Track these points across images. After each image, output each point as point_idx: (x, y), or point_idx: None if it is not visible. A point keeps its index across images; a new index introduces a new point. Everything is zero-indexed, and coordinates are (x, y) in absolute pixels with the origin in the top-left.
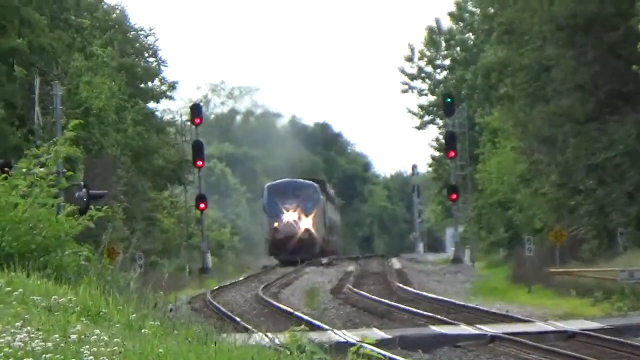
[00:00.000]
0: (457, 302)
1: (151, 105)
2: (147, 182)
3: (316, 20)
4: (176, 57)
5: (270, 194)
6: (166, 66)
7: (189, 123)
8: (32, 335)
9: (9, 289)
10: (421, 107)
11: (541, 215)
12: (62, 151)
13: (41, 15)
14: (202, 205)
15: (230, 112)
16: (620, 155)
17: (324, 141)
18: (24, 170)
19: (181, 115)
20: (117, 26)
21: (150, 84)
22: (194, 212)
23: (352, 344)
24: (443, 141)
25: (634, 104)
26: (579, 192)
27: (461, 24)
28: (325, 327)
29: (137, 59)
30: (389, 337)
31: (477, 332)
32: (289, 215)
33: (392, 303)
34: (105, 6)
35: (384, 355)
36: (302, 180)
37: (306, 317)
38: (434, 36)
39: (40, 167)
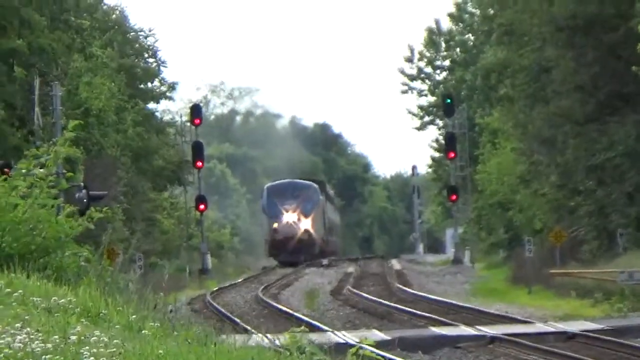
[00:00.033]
0: (457, 303)
1: (151, 106)
2: (147, 183)
3: (316, 21)
4: (176, 58)
5: (270, 194)
6: (166, 67)
7: (188, 124)
8: (32, 337)
9: (8, 290)
10: (421, 107)
11: (541, 216)
12: (62, 152)
13: (41, 16)
14: (202, 206)
15: (230, 112)
16: (620, 156)
17: (324, 142)
18: (23, 171)
19: (181, 116)
20: (116, 27)
21: (150, 84)
22: (194, 213)
23: (352, 345)
24: (443, 142)
25: (633, 105)
26: (579, 193)
27: (461, 24)
28: (325, 328)
29: (136, 60)
30: (389, 338)
31: (476, 333)
32: (289, 216)
33: (392, 304)
34: (104, 7)
35: (383, 357)
36: (301, 181)
37: (306, 319)
38: (433, 37)
39: (40, 168)
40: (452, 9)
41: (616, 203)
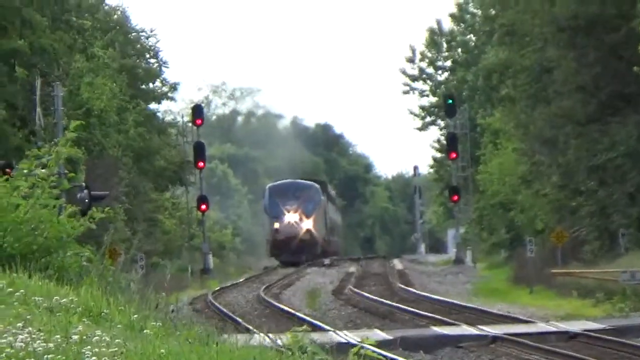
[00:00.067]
0: (459, 302)
1: (152, 106)
2: (148, 183)
3: (318, 22)
4: (177, 58)
5: (272, 194)
6: (167, 67)
7: (190, 124)
8: (33, 336)
9: (10, 289)
10: (422, 108)
11: (542, 217)
12: (64, 152)
13: (42, 17)
14: (203, 207)
15: (232, 113)
16: (621, 157)
17: (326, 142)
18: (25, 171)
19: (182, 117)
20: (118, 27)
21: (151, 85)
22: (196, 213)
23: (354, 345)
24: (444, 142)
25: (635, 105)
26: (581, 193)
27: (462, 25)
28: (327, 327)
29: (138, 60)
30: (391, 337)
31: (478, 332)
32: (290, 216)
33: (394, 304)
34: (106, 7)
35: (385, 356)
36: (303, 181)
37: (308, 318)
38: (435, 37)
39: (42, 168)
40: (454, 10)
41: (618, 203)
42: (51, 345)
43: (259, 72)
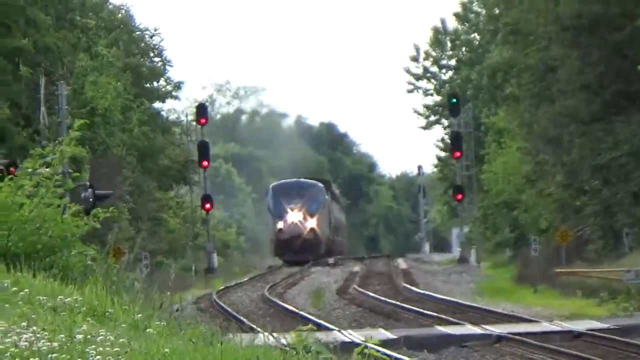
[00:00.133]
0: (463, 302)
1: (157, 105)
2: (152, 182)
3: (322, 21)
4: (181, 57)
5: (275, 194)
6: (171, 66)
7: (194, 123)
8: (38, 335)
9: (15, 289)
10: (427, 107)
11: (547, 216)
12: (68, 151)
13: (46, 15)
14: (207, 206)
15: (236, 112)
16: (625, 156)
17: (330, 141)
18: (29, 170)
19: (187, 115)
20: (122, 26)
21: (155, 84)
22: (200, 212)
23: (358, 344)
24: (449, 141)
25: (639, 104)
26: (585, 192)
27: (466, 24)
28: (331, 327)
29: (142, 59)
30: (395, 337)
31: (483, 332)
32: (294, 215)
33: (398, 303)
34: (110, 6)
35: (389, 356)
36: (307, 180)
37: (312, 317)
38: (439, 36)
39: (46, 167)
40: (458, 9)
41: (622, 202)
42: (55, 344)
43: (263, 71)
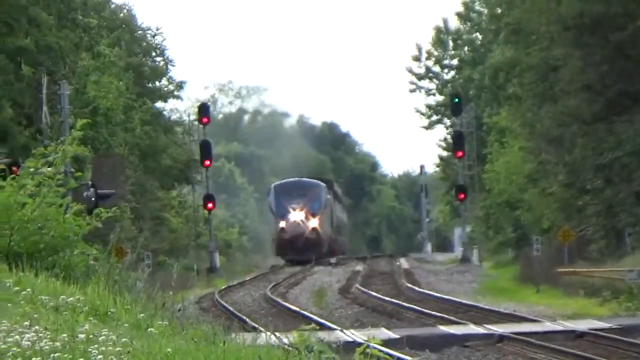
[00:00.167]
0: (465, 301)
1: (159, 104)
2: (155, 182)
3: (324, 20)
4: (184, 57)
5: (277, 193)
6: (174, 66)
7: (196, 123)
8: (40, 335)
9: (17, 288)
10: (429, 106)
11: (549, 215)
12: (70, 151)
13: (49, 15)
14: (210, 205)
15: (238, 111)
16: (627, 155)
17: (332, 141)
18: (31, 169)
19: (189, 115)
20: (124, 26)
21: (157, 83)
22: (202, 212)
23: (360, 344)
24: (451, 141)
25: None
26: (587, 192)
27: (469, 23)
28: (333, 326)
29: (144, 59)
30: (397, 336)
31: (485, 331)
32: (296, 215)
33: (400, 303)
34: (112, 6)
35: (391, 355)
36: (309, 179)
37: (314, 317)
38: (441, 36)
39: (48, 167)
40: (460, 8)
41: (624, 202)
42: (58, 344)
43: (266, 70)
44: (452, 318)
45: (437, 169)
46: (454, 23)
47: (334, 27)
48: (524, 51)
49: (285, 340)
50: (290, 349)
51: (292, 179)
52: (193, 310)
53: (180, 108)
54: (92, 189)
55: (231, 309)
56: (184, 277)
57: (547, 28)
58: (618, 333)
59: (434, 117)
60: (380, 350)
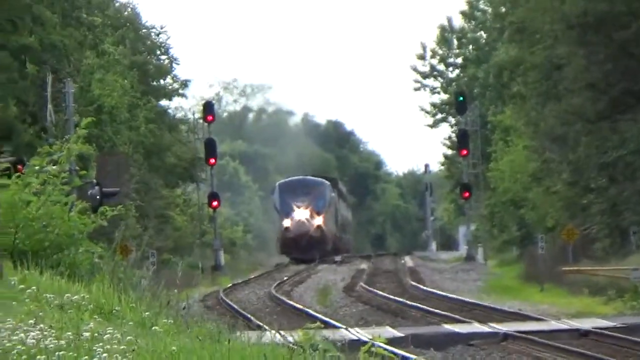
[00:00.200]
0: (470, 300)
1: (163, 103)
2: (159, 180)
3: (329, 19)
4: (188, 55)
5: (282, 191)
6: (178, 64)
7: (201, 121)
8: (45, 333)
9: (22, 286)
10: (433, 105)
11: (553, 214)
12: (75, 149)
13: (53, 13)
14: (214, 203)
15: (243, 109)
16: (632, 154)
17: (337, 139)
18: (36, 168)
19: (193, 113)
20: (128, 24)
21: (162, 81)
22: (207, 210)
23: (365, 342)
24: (455, 139)
25: None
26: (591, 190)
27: (473, 22)
28: (338, 325)
29: (149, 57)
30: (402, 335)
31: (489, 330)
32: (301, 213)
33: (405, 301)
34: (116, 4)
35: (396, 354)
36: (313, 177)
37: (319, 315)
38: (446, 34)
39: (53, 165)
40: (465, 7)
41: (628, 200)
42: (62, 342)
43: (270, 68)
44: (457, 316)
45: (442, 167)
46: (459, 22)
47: (338, 26)
48: (528, 50)
49: (290, 339)
50: (295, 347)
51: (296, 177)
52: (198, 308)
53: (185, 106)
54: (96, 187)
55: (236, 307)
56: (188, 275)
57: (551, 27)
58: (622, 332)
59: (439, 116)
60: (385, 349)
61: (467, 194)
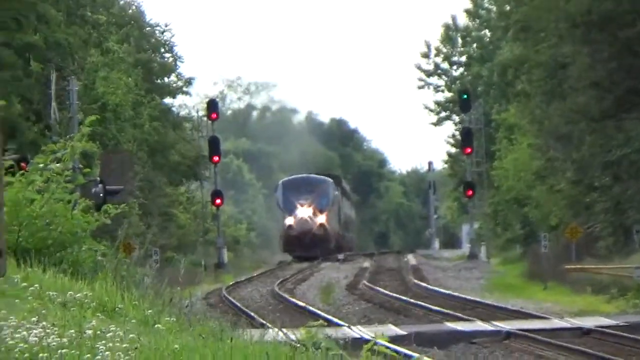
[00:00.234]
0: (473, 298)
1: (167, 100)
2: (163, 178)
3: (333, 17)
4: (192, 53)
5: (285, 189)
6: (182, 62)
7: (205, 119)
8: (47, 331)
9: (25, 284)
10: (437, 103)
11: (557, 212)
12: (79, 147)
13: (57, 11)
14: (218, 201)
15: (247, 107)
16: (636, 152)
17: (340, 137)
18: (40, 165)
19: (197, 111)
20: (133, 22)
21: (166, 79)
22: (210, 208)
23: (367, 340)
24: (459, 138)
25: None
26: (595, 189)
27: (477, 20)
28: (341, 323)
29: (153, 55)
30: (405, 333)
31: (492, 328)
32: (304, 211)
33: (408, 299)
34: (121, 2)
35: (399, 352)
36: (316, 175)
37: (322, 313)
38: (450, 33)
39: (57, 163)
40: (469, 5)
41: (632, 199)
42: (65, 340)
43: (274, 67)
44: (460, 315)
45: (446, 165)
46: (463, 20)
47: (343, 24)
48: (533, 48)
49: (293, 337)
50: (298, 345)
51: (300, 175)
52: (201, 306)
53: (189, 104)
54: (100, 185)
55: (239, 305)
56: (191, 273)
57: (555, 25)
58: (625, 330)
59: (443, 114)
60: (388, 347)
61: (470, 192)
